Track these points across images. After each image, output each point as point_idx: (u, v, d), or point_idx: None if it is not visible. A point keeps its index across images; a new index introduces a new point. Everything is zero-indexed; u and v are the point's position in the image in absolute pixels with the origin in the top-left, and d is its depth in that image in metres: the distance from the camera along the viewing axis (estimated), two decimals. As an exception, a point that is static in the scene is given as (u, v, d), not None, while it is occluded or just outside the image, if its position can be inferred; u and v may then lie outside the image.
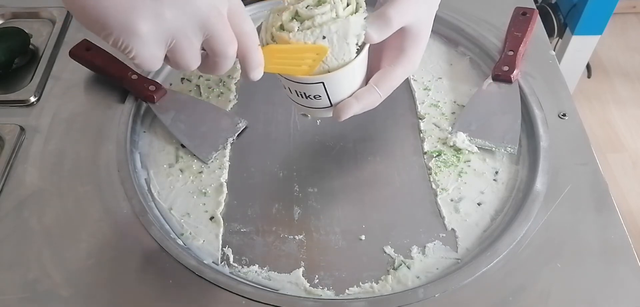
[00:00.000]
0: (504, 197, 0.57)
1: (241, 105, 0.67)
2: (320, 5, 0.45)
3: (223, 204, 0.57)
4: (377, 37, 0.46)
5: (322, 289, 0.51)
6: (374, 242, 0.54)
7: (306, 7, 0.45)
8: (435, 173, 0.59)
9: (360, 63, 0.48)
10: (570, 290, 0.49)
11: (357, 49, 0.47)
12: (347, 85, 0.49)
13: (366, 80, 0.51)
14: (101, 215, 0.55)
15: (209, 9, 0.38)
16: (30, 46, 0.73)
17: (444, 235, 0.54)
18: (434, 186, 0.58)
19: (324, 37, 0.44)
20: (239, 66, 0.70)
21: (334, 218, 0.56)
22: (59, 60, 0.71)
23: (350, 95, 0.49)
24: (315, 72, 0.46)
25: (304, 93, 0.48)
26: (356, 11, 0.45)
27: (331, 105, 0.50)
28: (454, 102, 0.66)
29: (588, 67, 1.82)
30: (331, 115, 0.50)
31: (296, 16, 0.45)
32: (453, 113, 0.65)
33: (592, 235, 0.53)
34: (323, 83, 0.47)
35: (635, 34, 2.14)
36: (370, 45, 0.48)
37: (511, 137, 0.60)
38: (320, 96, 0.48)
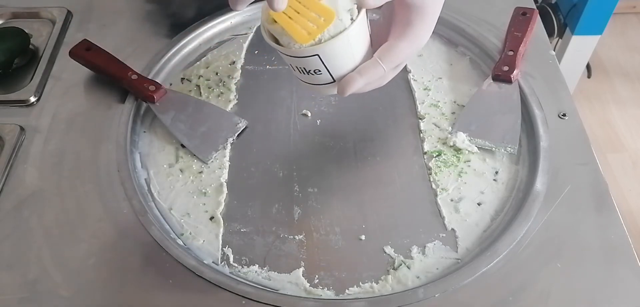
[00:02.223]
0: (504, 197, 0.57)
1: (241, 105, 0.67)
2: None
3: (223, 204, 0.57)
4: (371, 2, 0.45)
5: (322, 289, 0.51)
6: (374, 242, 0.54)
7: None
8: (435, 173, 0.59)
9: (356, 32, 0.46)
10: (570, 290, 0.49)
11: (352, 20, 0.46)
12: (346, 57, 0.47)
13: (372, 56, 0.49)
14: (101, 215, 0.55)
15: None
16: (30, 46, 0.73)
17: (444, 235, 0.54)
18: (434, 186, 0.58)
19: None
20: (239, 66, 0.71)
21: (334, 218, 0.56)
22: (59, 60, 0.71)
23: (354, 70, 0.48)
24: (309, 44, 0.45)
25: (304, 68, 0.47)
26: None
27: (334, 80, 0.48)
28: (454, 102, 0.66)
29: (588, 67, 1.82)
30: (336, 91, 0.49)
31: None
32: (453, 113, 0.65)
33: (592, 235, 0.53)
34: (318, 55, 0.46)
35: (635, 34, 2.14)
36: (379, 22, 0.47)
37: (511, 137, 0.60)
38: (320, 71, 0.47)
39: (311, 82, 0.50)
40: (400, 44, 0.48)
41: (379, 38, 0.50)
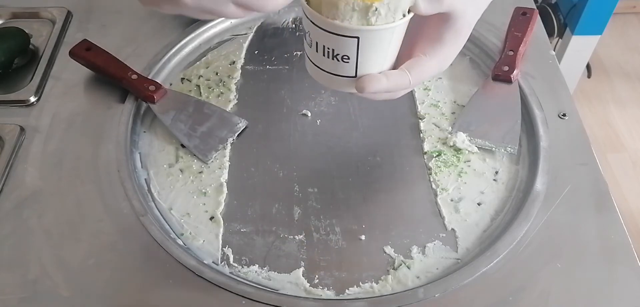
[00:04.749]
0: (504, 197, 0.57)
1: (241, 105, 0.67)
2: None
3: (223, 204, 0.57)
4: (424, 8, 0.43)
5: (322, 289, 0.51)
6: (374, 242, 0.54)
7: None
8: (435, 173, 0.59)
9: (400, 32, 0.44)
10: (570, 290, 0.49)
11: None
12: (380, 53, 0.45)
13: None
14: (101, 215, 0.55)
15: None
16: (30, 46, 0.73)
17: (444, 235, 0.54)
18: (434, 186, 0.58)
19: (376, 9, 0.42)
20: (239, 66, 0.71)
21: (334, 218, 0.56)
22: (59, 60, 0.71)
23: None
24: (353, 21, 0.43)
25: (333, 50, 0.45)
26: None
27: (355, 76, 0.46)
28: (454, 102, 0.66)
29: (588, 67, 1.82)
30: (352, 89, 0.47)
31: None
32: (453, 113, 0.65)
33: (592, 235, 0.53)
34: (358, 38, 0.43)
35: (635, 34, 2.14)
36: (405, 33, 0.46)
37: (511, 137, 0.60)
38: (348, 58, 0.45)
39: (330, 71, 0.47)
40: (430, 61, 0.47)
41: (401, 53, 0.48)
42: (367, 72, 0.46)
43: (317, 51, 0.46)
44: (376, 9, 0.42)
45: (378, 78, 0.45)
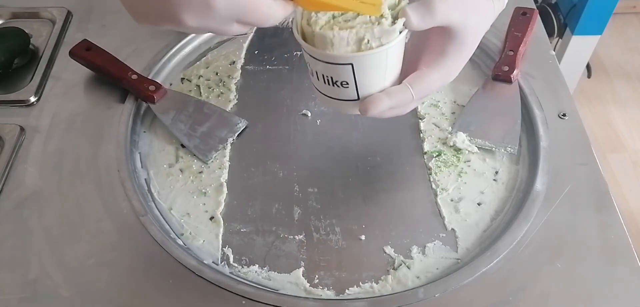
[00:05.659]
0: (504, 197, 0.57)
1: (241, 105, 0.67)
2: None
3: (223, 204, 0.57)
4: (416, 23, 0.43)
5: (322, 289, 0.51)
6: (374, 242, 0.54)
7: (345, 21, 0.44)
8: (435, 173, 0.59)
9: (394, 50, 0.44)
10: (570, 290, 0.49)
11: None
12: (378, 74, 0.46)
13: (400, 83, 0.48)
14: (101, 215, 0.55)
15: None
16: (30, 46, 0.73)
17: (444, 235, 0.54)
18: (434, 186, 0.58)
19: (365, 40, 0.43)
20: (239, 66, 0.71)
21: (334, 218, 0.56)
22: (59, 60, 0.71)
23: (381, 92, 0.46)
24: (346, 52, 0.44)
25: (331, 78, 0.46)
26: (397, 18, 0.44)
27: (357, 99, 0.47)
28: (454, 102, 0.66)
29: (588, 67, 1.82)
30: (358, 111, 0.47)
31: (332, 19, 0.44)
32: (453, 113, 0.65)
33: (592, 235, 0.53)
34: (352, 65, 0.44)
35: (635, 34, 2.14)
36: (409, 47, 0.46)
37: (511, 137, 0.60)
38: (347, 83, 0.45)
39: (333, 96, 0.47)
40: (433, 74, 0.46)
41: (406, 67, 0.48)
42: (369, 92, 0.46)
43: (318, 79, 0.47)
44: (368, 41, 0.43)
45: (380, 98, 0.46)
